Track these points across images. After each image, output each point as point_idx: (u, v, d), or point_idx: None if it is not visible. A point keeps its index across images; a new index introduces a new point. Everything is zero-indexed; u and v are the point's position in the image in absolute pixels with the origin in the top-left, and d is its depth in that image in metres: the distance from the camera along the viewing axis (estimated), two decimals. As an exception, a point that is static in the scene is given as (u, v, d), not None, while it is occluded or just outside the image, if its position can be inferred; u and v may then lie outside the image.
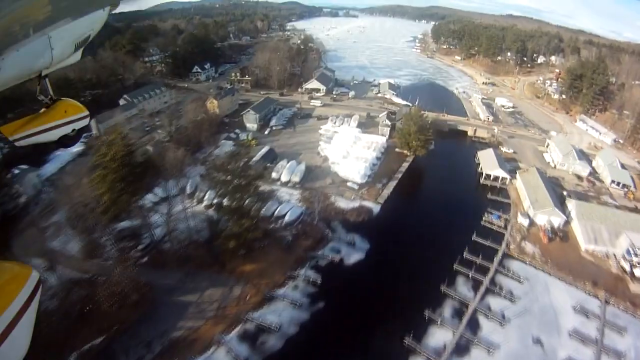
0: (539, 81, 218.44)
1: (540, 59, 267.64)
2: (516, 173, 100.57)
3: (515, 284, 66.33)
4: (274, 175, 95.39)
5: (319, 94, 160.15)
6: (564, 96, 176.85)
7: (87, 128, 7.90)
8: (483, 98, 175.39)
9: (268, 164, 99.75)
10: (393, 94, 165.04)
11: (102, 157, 68.70)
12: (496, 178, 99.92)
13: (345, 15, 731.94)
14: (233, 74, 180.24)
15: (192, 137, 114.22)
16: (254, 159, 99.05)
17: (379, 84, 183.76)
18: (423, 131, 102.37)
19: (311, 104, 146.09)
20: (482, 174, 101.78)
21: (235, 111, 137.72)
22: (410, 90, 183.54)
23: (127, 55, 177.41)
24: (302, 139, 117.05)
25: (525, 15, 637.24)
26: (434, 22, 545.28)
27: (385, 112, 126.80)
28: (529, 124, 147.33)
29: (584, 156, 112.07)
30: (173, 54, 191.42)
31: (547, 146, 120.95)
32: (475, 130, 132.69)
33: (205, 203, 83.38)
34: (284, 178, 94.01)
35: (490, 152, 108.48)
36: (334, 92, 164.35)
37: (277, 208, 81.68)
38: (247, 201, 67.48)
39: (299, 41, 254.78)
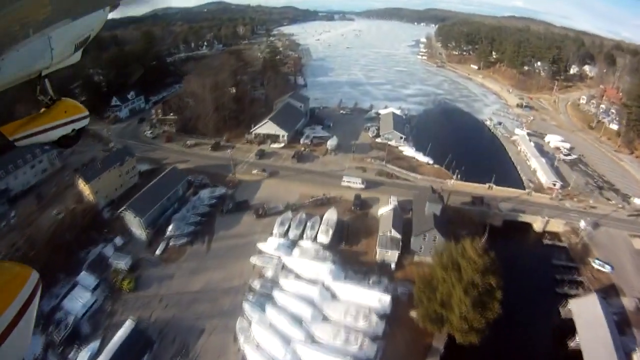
0: (582, 101, 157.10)
1: (573, 69, 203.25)
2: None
3: None
4: None
5: (275, 145, 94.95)
6: (624, 124, 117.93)
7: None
8: (529, 133, 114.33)
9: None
10: (401, 138, 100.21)
11: None
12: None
13: (341, 19, 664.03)
14: (154, 112, 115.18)
15: (39, 258, 56.75)
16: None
17: (379, 114, 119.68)
18: (485, 300, 39.06)
19: (344, 182, 76.09)
20: None
21: (132, 188, 74.89)
22: (425, 125, 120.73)
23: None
24: (217, 278, 54.04)
25: (527, 17, 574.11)
26: (433, 25, 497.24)
27: (392, 206, 62.78)
28: (602, 184, 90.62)
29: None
30: (85, 79, 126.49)
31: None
32: (547, 221, 69.93)
33: None
34: None
35: (594, 308, 48.51)
36: (303, 139, 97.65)
37: None
38: None
39: (262, 53, 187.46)
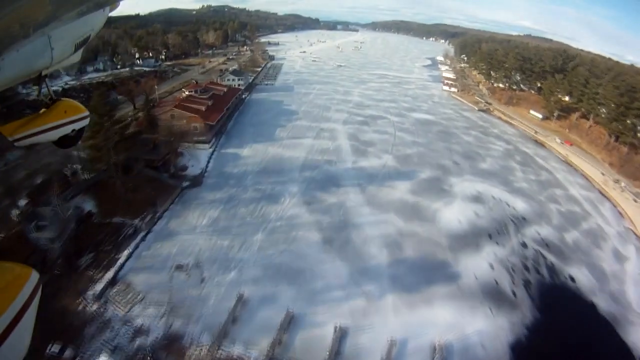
0: None
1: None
2: None
3: None
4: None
5: None
6: None
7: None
8: None
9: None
10: None
11: None
12: None
13: (343, 29, 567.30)
14: None
15: None
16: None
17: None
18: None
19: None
20: None
21: None
22: None
23: None
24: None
25: (543, 37, 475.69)
26: (443, 40, 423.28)
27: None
28: None
29: None
30: None
31: None
32: None
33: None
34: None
35: None
36: None
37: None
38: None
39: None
